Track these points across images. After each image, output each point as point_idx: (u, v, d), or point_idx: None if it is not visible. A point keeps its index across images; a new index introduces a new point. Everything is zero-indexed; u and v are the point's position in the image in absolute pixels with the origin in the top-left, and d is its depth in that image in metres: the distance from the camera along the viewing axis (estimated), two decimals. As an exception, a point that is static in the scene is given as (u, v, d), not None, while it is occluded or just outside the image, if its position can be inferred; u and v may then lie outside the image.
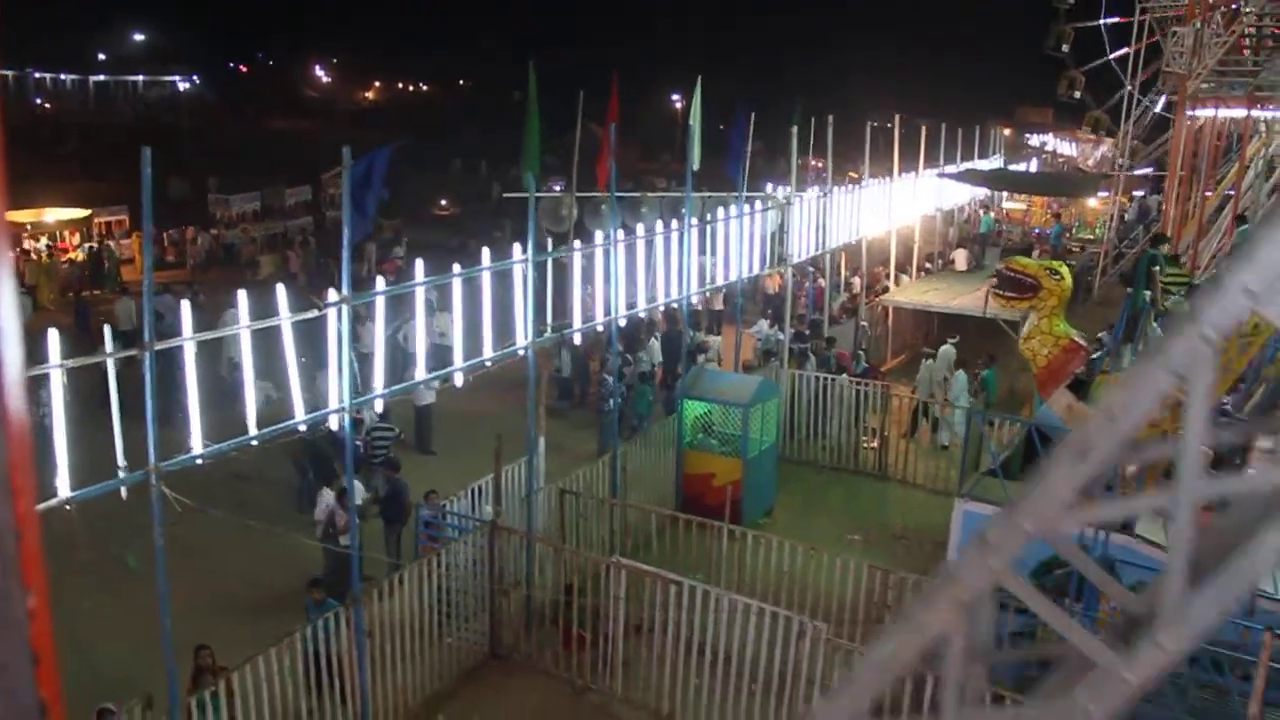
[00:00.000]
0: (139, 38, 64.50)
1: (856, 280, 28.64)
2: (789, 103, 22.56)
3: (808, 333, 24.43)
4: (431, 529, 15.11)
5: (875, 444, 21.06)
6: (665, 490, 18.23)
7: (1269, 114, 30.52)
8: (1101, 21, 47.92)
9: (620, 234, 16.14)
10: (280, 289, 11.15)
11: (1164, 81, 35.62)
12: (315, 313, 11.42)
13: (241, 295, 10.90)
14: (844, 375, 21.39)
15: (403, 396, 17.44)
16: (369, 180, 11.66)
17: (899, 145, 27.04)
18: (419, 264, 12.91)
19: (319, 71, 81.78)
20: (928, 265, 31.75)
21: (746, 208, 19.55)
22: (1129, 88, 43.18)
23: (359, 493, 15.62)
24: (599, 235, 15.78)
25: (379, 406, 14.59)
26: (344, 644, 12.23)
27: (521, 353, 14.31)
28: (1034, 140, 66.22)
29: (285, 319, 11.08)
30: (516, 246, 14.11)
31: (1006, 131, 55.95)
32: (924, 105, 38.66)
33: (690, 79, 18.20)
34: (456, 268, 13.42)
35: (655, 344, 23.84)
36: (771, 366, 21.60)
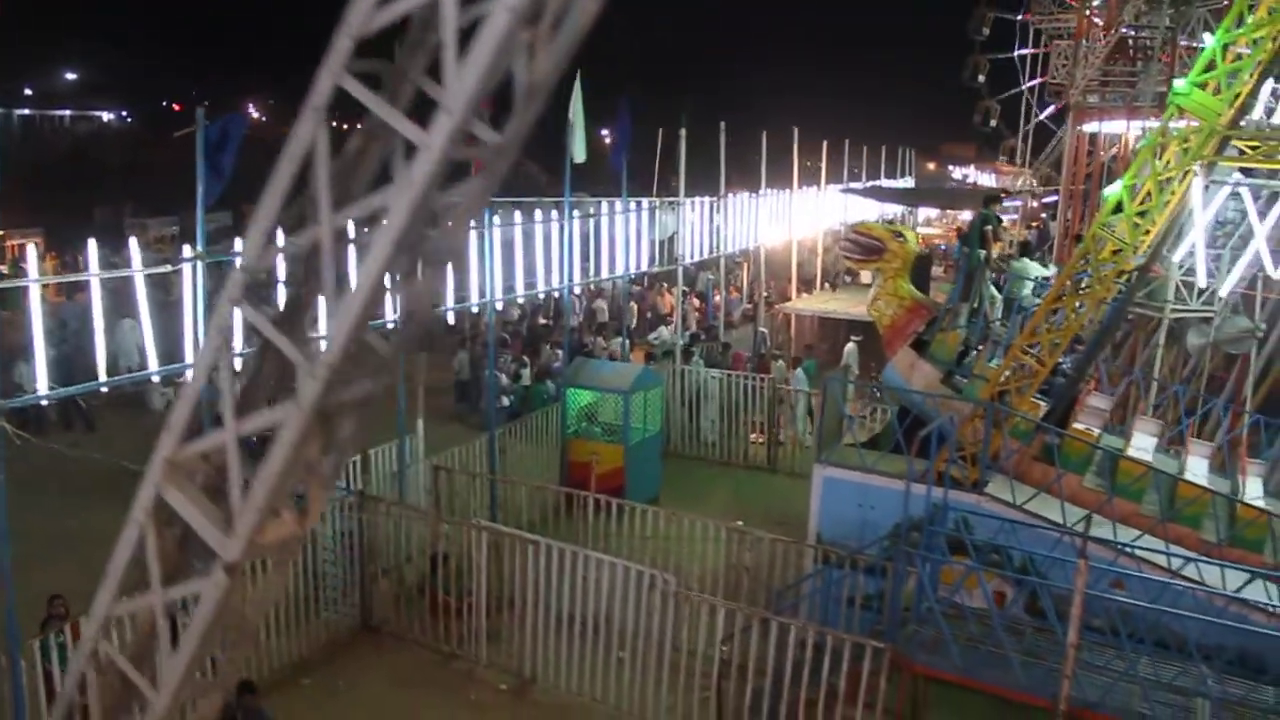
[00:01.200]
0: (70, 75, 64.65)
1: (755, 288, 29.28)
2: (711, 114, 23.27)
3: (703, 336, 24.95)
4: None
5: (761, 438, 21.50)
6: (550, 478, 18.53)
7: (1148, 124, 31.65)
8: (1015, 54, 49.51)
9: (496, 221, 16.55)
10: (133, 242, 11.44)
11: (1050, 94, 36.87)
12: (169, 268, 11.71)
13: (91, 243, 11.18)
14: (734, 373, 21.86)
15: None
16: (224, 145, 12.00)
17: (798, 159, 27.69)
18: (279, 232, 13.17)
19: (252, 110, 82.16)
20: (847, 278, 32.44)
21: (632, 204, 20.03)
22: (1028, 99, 44.50)
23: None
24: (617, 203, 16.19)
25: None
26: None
27: (390, 325, 14.59)
28: (957, 173, 67.94)
29: (138, 271, 11.36)
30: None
31: (931, 165, 57.48)
32: (852, 128, 39.59)
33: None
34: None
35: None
36: (664, 364, 22.04)
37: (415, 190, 3.93)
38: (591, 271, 19.87)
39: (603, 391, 18.66)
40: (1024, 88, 49.65)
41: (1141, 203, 13.08)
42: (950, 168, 69.07)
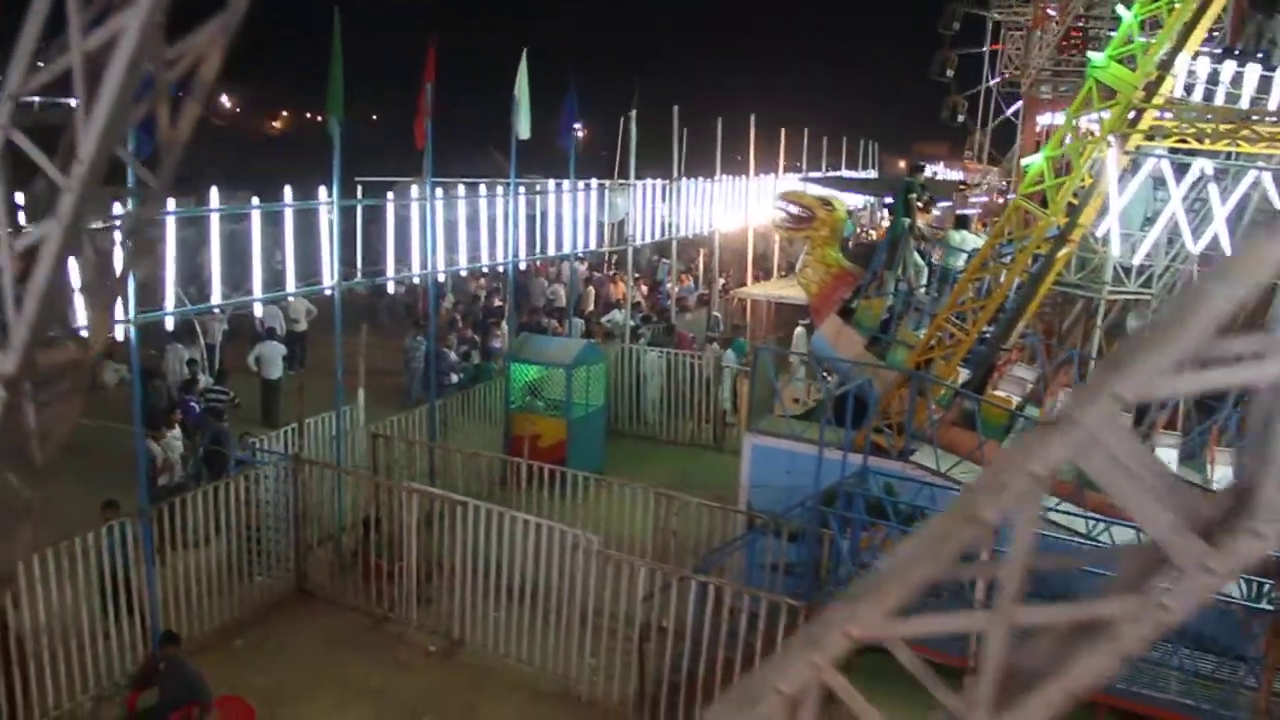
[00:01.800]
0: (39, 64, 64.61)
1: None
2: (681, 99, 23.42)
3: (654, 319, 25.19)
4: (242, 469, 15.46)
5: (707, 418, 21.74)
6: (493, 451, 18.70)
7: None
8: (986, 48, 49.84)
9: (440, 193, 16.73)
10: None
11: (1005, 87, 37.24)
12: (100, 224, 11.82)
13: None
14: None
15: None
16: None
17: (754, 149, 27.93)
18: (214, 190, 13.39)
19: (225, 100, 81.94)
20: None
21: (581, 185, 20.25)
22: (997, 94, 44.89)
23: (178, 442, 16.02)
24: (414, 190, 16.35)
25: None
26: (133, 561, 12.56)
27: (328, 292, 14.82)
28: (927, 170, 68.21)
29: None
30: (322, 189, 14.65)
31: (902, 163, 57.71)
32: (820, 122, 39.72)
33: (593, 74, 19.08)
34: (255, 200, 13.91)
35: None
36: (614, 343, 22.27)
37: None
38: (539, 249, 20.07)
39: (545, 365, 18.88)
40: (992, 84, 50.05)
41: (1058, 175, 13.39)
42: (922, 165, 69.33)
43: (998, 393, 15.71)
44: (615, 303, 27.14)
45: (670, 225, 24.11)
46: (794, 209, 17.12)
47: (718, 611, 11.97)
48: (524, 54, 18.06)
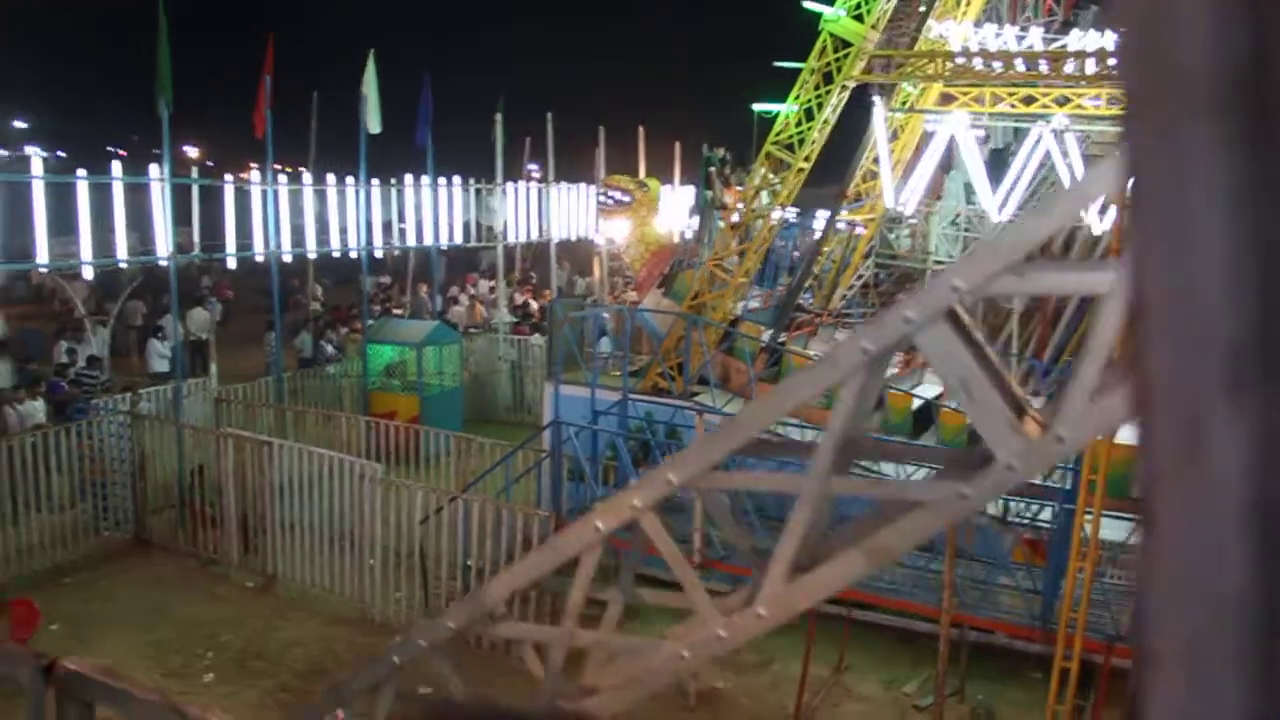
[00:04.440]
0: (20, 124, 66.94)
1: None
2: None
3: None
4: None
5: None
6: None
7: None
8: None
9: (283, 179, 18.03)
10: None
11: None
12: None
13: None
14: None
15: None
16: None
17: (645, 153, 28.97)
18: (35, 158, 14.67)
19: (191, 151, 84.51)
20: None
21: (442, 181, 21.55)
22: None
23: (40, 413, 17.18)
24: (255, 174, 17.65)
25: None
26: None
27: (164, 263, 16.06)
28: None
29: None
30: (154, 167, 15.94)
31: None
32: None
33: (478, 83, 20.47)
34: (82, 172, 15.20)
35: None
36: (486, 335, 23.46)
37: None
38: (396, 239, 21.36)
39: (398, 345, 20.03)
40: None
41: (799, 125, 14.62)
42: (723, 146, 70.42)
43: (809, 351, 16.82)
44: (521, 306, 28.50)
45: (548, 227, 25.31)
46: (616, 194, 18.37)
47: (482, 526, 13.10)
48: (371, 53, 19.44)
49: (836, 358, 3.15)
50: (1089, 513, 9.60)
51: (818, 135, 14.61)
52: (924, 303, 2.82)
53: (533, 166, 29.63)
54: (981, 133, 20.54)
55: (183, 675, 13.26)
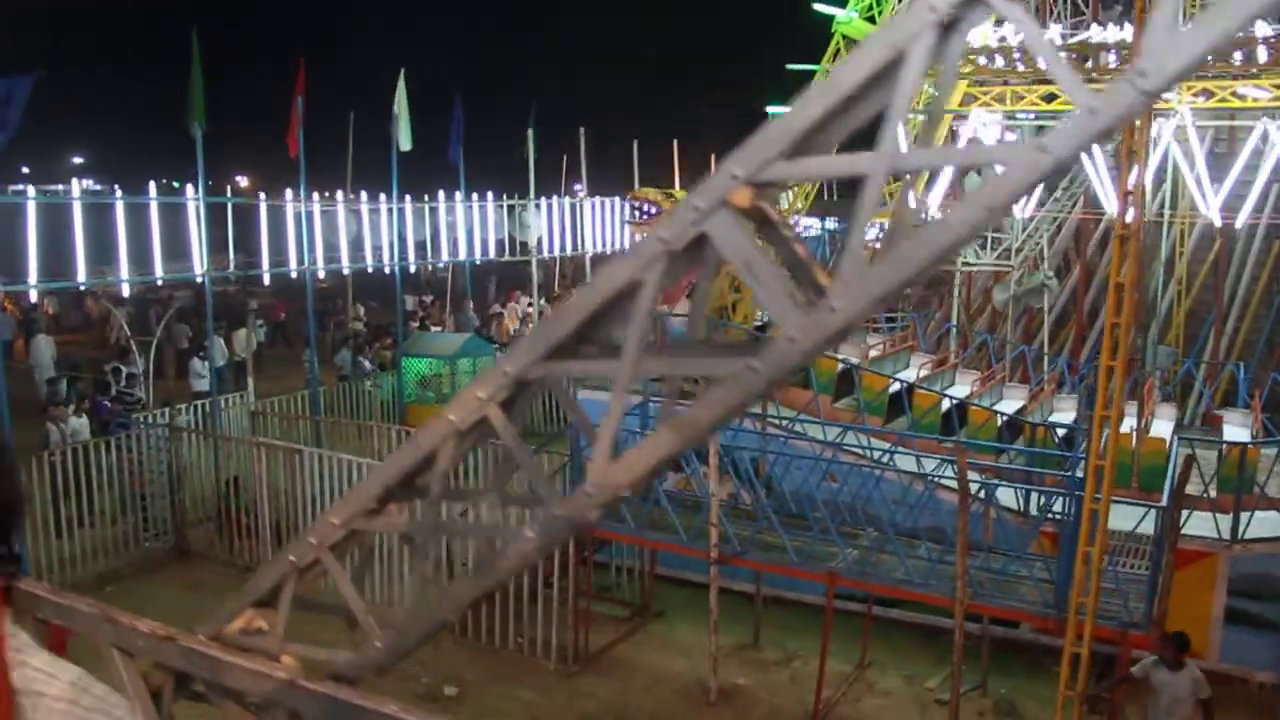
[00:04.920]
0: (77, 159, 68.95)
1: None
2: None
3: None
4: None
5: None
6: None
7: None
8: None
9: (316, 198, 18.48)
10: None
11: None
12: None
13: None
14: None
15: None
16: (9, 100, 14.03)
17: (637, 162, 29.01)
18: (75, 183, 15.21)
19: (242, 180, 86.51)
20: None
21: (475, 199, 21.93)
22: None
23: (86, 430, 17.70)
24: (289, 193, 18.10)
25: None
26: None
27: (199, 279, 16.52)
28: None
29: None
30: (189, 187, 16.43)
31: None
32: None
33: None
34: (118, 191, 15.71)
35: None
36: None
37: None
38: (430, 255, 21.74)
39: (432, 358, 20.37)
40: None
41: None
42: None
43: (838, 355, 16.90)
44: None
45: (581, 239, 25.62)
46: (644, 207, 18.60)
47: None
48: (401, 72, 19.89)
49: (639, 248, 3.37)
50: (1098, 498, 9.56)
51: (834, 137, 14.67)
52: (708, 191, 2.99)
53: (578, 187, 30.03)
54: (1013, 135, 20.54)
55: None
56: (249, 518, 15.79)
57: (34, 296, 17.18)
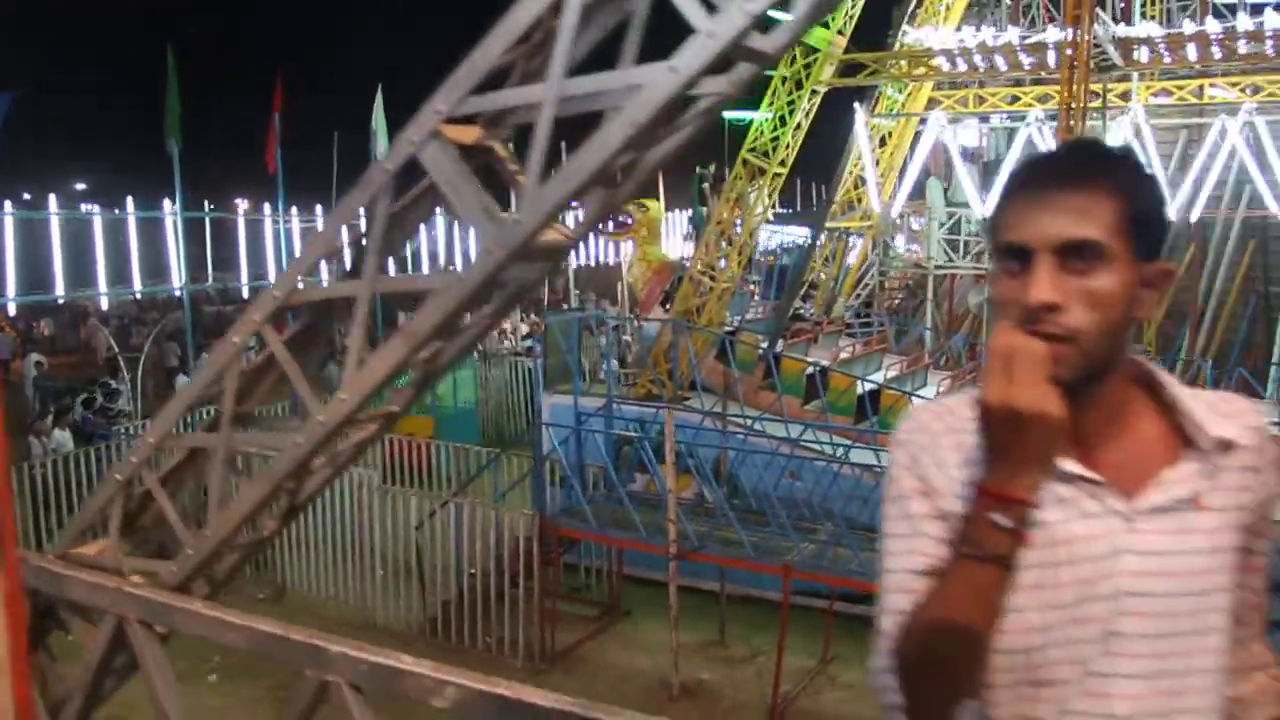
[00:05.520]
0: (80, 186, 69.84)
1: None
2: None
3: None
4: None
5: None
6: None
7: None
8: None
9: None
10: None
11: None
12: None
13: None
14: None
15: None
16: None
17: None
18: (52, 197, 15.55)
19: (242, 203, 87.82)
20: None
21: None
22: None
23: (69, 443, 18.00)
24: (266, 208, 18.42)
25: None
26: None
27: (177, 293, 16.84)
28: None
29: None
30: (167, 201, 16.76)
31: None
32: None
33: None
34: (95, 208, 16.03)
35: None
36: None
37: None
38: (410, 269, 21.99)
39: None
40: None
41: (773, 132, 15.01)
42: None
43: (808, 358, 17.10)
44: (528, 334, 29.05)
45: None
46: (618, 216, 18.87)
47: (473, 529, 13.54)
48: (379, 88, 20.22)
49: (368, 177, 3.79)
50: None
51: (791, 140, 15.00)
52: (419, 126, 3.36)
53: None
54: (984, 141, 20.78)
55: (187, 677, 13.76)
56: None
57: (12, 310, 17.41)
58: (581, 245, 26.69)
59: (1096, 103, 14.42)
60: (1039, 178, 1.56)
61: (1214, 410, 1.61)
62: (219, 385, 3.88)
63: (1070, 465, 1.55)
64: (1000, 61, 15.70)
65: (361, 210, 3.83)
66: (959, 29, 17.39)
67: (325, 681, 3.21)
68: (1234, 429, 1.59)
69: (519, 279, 3.84)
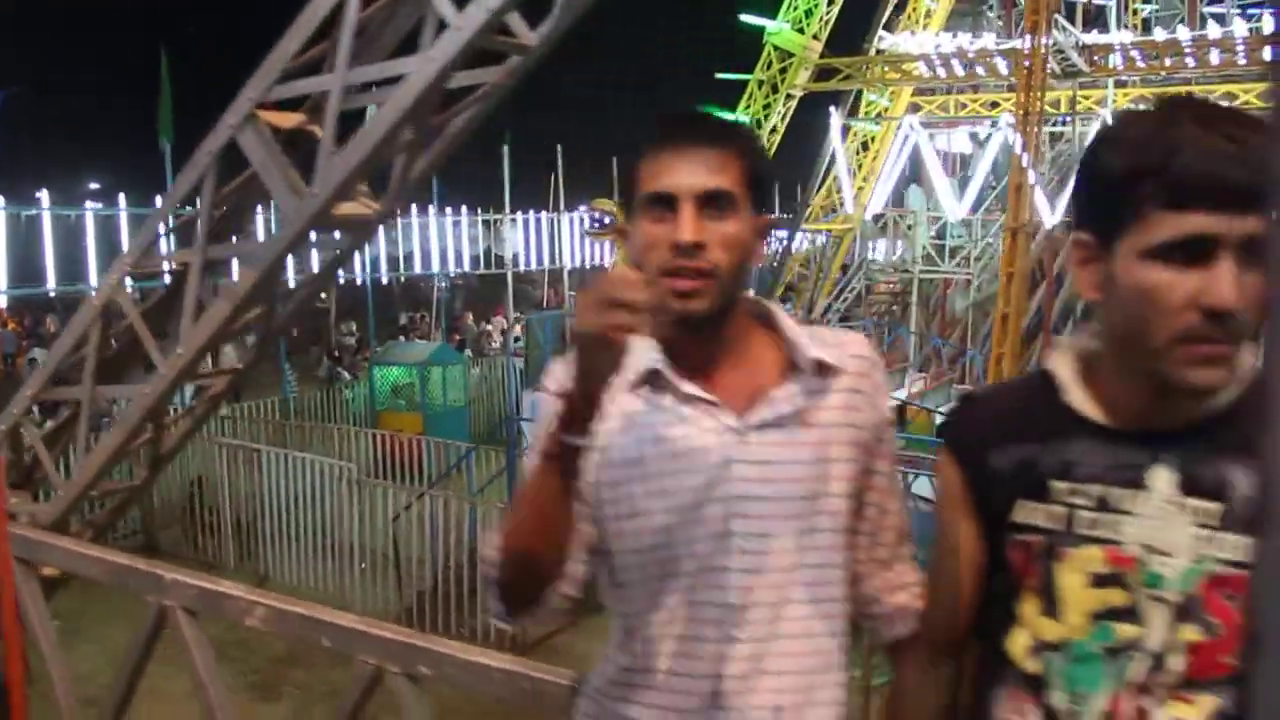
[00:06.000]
0: (94, 185, 70.72)
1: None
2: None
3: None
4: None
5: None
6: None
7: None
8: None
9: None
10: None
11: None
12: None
13: None
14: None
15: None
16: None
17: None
18: (44, 194, 15.95)
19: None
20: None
21: (449, 212, 22.58)
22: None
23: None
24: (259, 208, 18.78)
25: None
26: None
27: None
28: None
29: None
30: (159, 198, 17.12)
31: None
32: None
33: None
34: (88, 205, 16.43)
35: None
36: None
37: None
38: (402, 267, 22.39)
39: (402, 365, 20.94)
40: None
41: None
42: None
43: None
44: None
45: (560, 253, 26.19)
46: (602, 217, 19.18)
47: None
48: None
49: (194, 160, 4.13)
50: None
51: (767, 143, 15.25)
52: (235, 111, 3.71)
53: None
54: (966, 147, 20.92)
55: (164, 659, 14.00)
56: (213, 516, 16.36)
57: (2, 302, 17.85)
58: (576, 249, 27.04)
59: (1064, 107, 14.63)
60: (681, 136, 1.84)
61: (817, 339, 1.87)
62: (85, 348, 4.21)
63: (690, 388, 1.81)
64: (979, 68, 15.93)
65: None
66: (937, 35, 17.58)
67: (164, 606, 3.50)
68: (834, 355, 1.84)
69: (339, 246, 4.26)
